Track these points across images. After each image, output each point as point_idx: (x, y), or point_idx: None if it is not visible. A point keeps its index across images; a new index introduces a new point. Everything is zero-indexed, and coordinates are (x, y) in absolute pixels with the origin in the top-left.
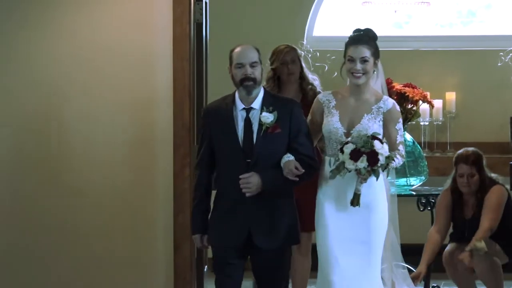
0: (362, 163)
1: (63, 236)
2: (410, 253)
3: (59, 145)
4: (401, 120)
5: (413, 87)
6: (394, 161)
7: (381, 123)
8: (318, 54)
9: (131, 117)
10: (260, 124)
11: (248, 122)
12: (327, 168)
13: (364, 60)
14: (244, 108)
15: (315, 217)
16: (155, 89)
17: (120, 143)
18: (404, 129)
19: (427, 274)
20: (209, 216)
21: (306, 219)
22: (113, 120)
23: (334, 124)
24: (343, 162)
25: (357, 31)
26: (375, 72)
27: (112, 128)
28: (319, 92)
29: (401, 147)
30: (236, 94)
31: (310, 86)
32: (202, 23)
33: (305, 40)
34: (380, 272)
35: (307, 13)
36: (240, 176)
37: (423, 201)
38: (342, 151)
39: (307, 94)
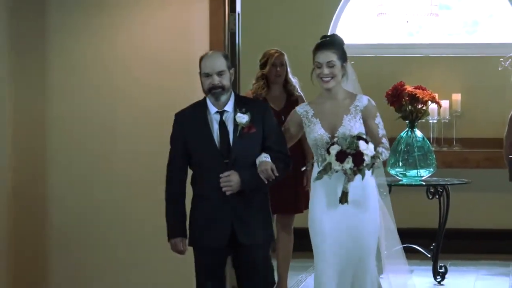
0: (348, 164)
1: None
2: (420, 236)
3: (111, 140)
4: (378, 114)
5: (423, 89)
6: (380, 159)
7: (361, 121)
8: None
9: (171, 119)
10: (236, 124)
11: (222, 124)
12: (315, 171)
13: (331, 65)
14: (217, 111)
15: (308, 216)
16: (193, 91)
17: (159, 142)
18: (415, 127)
19: (436, 255)
20: (186, 220)
21: (288, 202)
22: (155, 121)
23: (317, 131)
24: (330, 163)
25: (323, 37)
26: (344, 75)
27: (153, 128)
28: (299, 94)
29: (384, 140)
30: (207, 100)
31: (292, 87)
32: (235, 32)
33: None
34: (375, 269)
35: (328, 23)
36: (221, 175)
37: (432, 191)
38: (328, 152)
39: (291, 95)
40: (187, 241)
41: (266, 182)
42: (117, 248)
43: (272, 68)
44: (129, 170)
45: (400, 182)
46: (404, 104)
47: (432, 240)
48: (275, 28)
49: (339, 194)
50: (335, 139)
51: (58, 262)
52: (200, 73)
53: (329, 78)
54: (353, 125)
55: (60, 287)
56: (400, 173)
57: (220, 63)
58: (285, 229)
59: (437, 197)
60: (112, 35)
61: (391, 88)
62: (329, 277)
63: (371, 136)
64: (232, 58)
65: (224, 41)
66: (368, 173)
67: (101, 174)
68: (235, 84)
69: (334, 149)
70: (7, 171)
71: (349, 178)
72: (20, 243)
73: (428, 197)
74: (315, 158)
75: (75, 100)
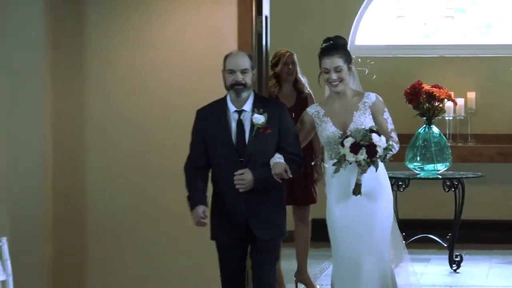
0: (362, 155)
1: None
2: (437, 226)
3: (143, 135)
4: (386, 109)
5: (440, 88)
6: (392, 151)
7: (370, 116)
8: (359, 60)
9: None
10: (252, 125)
11: (240, 123)
12: (330, 168)
13: (338, 70)
14: (236, 111)
15: (326, 210)
16: (222, 90)
17: (189, 139)
18: (432, 123)
19: (451, 244)
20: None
21: (299, 194)
22: (185, 118)
23: (329, 129)
24: (344, 155)
25: (327, 40)
26: (351, 76)
27: (183, 125)
28: (309, 92)
29: (393, 134)
30: (228, 98)
31: (302, 85)
32: (262, 34)
33: (348, 48)
34: (388, 259)
35: (350, 25)
36: (235, 173)
37: (448, 184)
38: (342, 144)
39: (301, 93)
40: (208, 210)
41: (280, 181)
42: (151, 239)
43: (284, 66)
44: (161, 164)
45: (418, 176)
46: (422, 102)
47: (448, 231)
48: (300, 30)
49: (353, 186)
50: (349, 132)
51: (95, 249)
52: (223, 70)
53: (337, 83)
54: (363, 121)
55: (97, 272)
56: (418, 167)
57: (245, 61)
58: (302, 220)
59: (453, 189)
60: (145, 37)
61: (409, 87)
62: (345, 268)
63: (380, 130)
64: (259, 59)
65: (252, 42)
66: (381, 164)
67: (135, 168)
68: (261, 83)
69: (348, 141)
70: (47, 164)
71: (362, 170)
72: (60, 231)
73: (444, 189)
74: (328, 154)
75: (110, 95)
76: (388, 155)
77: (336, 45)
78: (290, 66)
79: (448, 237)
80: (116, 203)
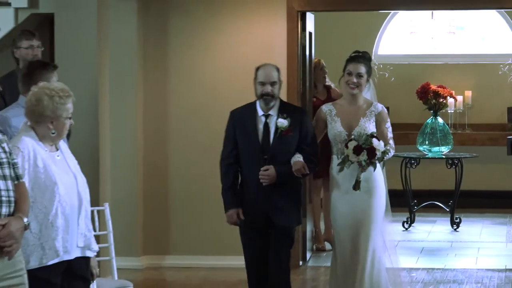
0: (363, 156)
1: None
2: (441, 195)
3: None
4: (389, 120)
5: (444, 88)
6: (388, 155)
7: (374, 124)
8: (381, 65)
9: None
10: (276, 128)
11: (266, 126)
12: (335, 163)
13: (359, 75)
14: (263, 114)
15: (330, 202)
16: None
17: None
18: (437, 115)
19: (452, 209)
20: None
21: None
22: None
23: (337, 128)
24: (347, 156)
25: (357, 52)
26: (367, 86)
27: None
28: (333, 87)
29: (391, 142)
30: (257, 102)
31: (328, 84)
32: (306, 46)
33: (373, 56)
34: (377, 244)
35: (374, 38)
36: (261, 168)
37: (450, 162)
38: (346, 146)
39: (329, 89)
40: (240, 212)
41: (301, 177)
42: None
43: (319, 71)
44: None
45: (427, 156)
46: (430, 99)
47: (450, 199)
48: (336, 43)
49: (353, 183)
50: (352, 136)
51: (177, 216)
52: (255, 79)
53: (355, 86)
54: (367, 126)
55: (179, 232)
56: (426, 149)
57: (274, 75)
58: (315, 191)
59: (453, 167)
60: (214, 49)
61: (420, 87)
62: (343, 254)
63: (381, 137)
64: (303, 67)
65: (298, 53)
66: (378, 165)
67: (206, 149)
68: (305, 86)
69: (352, 144)
70: (139, 146)
71: (362, 169)
72: (149, 199)
73: (447, 167)
74: (334, 150)
75: (186, 94)
76: (385, 157)
77: (363, 57)
78: (322, 70)
79: (450, 203)
80: (194, 177)
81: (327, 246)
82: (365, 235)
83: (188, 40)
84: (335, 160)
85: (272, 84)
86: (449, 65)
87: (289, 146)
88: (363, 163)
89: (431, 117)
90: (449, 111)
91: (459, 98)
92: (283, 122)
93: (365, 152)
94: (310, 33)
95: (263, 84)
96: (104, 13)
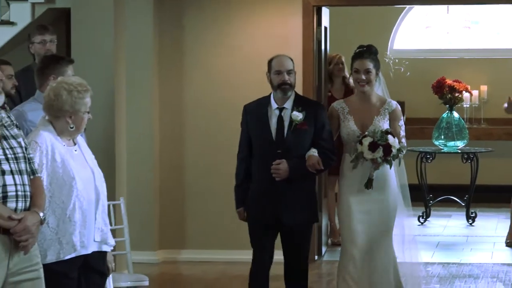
0: (379, 153)
1: None
2: (456, 190)
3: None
4: (402, 117)
5: (459, 82)
6: (402, 152)
7: (388, 122)
8: (397, 60)
9: None
10: (291, 121)
11: (280, 119)
12: (347, 162)
13: (367, 72)
14: (277, 108)
15: (338, 200)
16: None
17: None
18: (453, 109)
19: (468, 204)
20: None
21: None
22: None
23: (351, 127)
24: (362, 152)
25: (361, 47)
26: (377, 81)
27: None
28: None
29: (403, 140)
30: (271, 96)
31: (348, 80)
32: (321, 41)
33: (388, 51)
34: (392, 246)
35: (390, 33)
36: (273, 162)
37: (465, 156)
38: (361, 142)
39: (348, 86)
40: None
41: (315, 172)
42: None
43: (335, 66)
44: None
45: (442, 151)
46: (445, 93)
47: (465, 193)
48: (351, 38)
49: (365, 181)
50: (367, 132)
51: (193, 211)
52: (269, 72)
53: (365, 83)
54: (381, 125)
55: (194, 225)
56: (442, 144)
57: (289, 63)
58: (329, 187)
59: (469, 161)
60: (229, 44)
61: (435, 81)
62: (354, 254)
63: (394, 135)
64: (319, 61)
65: (313, 48)
66: (392, 163)
67: (222, 142)
68: (320, 80)
69: (367, 140)
70: (155, 141)
71: (376, 167)
72: (164, 192)
73: (462, 161)
74: (347, 148)
75: (201, 88)
76: (400, 155)
77: (368, 51)
78: (340, 66)
79: (465, 198)
80: (210, 171)
81: None
82: (384, 236)
83: (204, 35)
84: (347, 158)
85: (289, 72)
86: (464, 60)
87: (304, 140)
88: (379, 159)
89: (447, 111)
90: (464, 106)
91: (475, 92)
92: (298, 115)
93: (381, 148)
94: (326, 28)
95: (279, 72)
96: (120, 8)
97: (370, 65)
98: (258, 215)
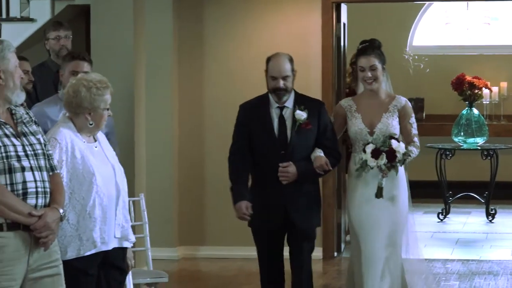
0: (382, 160)
1: None
2: (476, 187)
3: None
4: (413, 115)
5: (479, 79)
6: (411, 156)
7: (397, 119)
8: (416, 57)
9: None
10: (294, 120)
11: (282, 119)
12: (356, 161)
13: (373, 68)
14: (278, 107)
15: (347, 209)
16: (308, 81)
17: None
18: (473, 106)
19: (488, 200)
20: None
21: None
22: None
23: (358, 125)
24: (366, 160)
25: (363, 42)
26: (384, 76)
27: None
28: None
29: (416, 139)
30: (270, 95)
31: None
32: (340, 37)
33: (407, 47)
34: (401, 253)
35: (409, 29)
36: (280, 165)
37: (485, 153)
38: (364, 151)
39: None
40: (250, 205)
41: (323, 174)
42: None
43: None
44: None
45: (462, 147)
46: (465, 90)
47: (485, 190)
48: (371, 34)
49: (375, 190)
50: (370, 139)
51: (213, 207)
52: (266, 72)
53: (372, 80)
54: (390, 122)
55: (215, 226)
56: (462, 141)
57: (287, 68)
58: None
59: (489, 158)
60: (249, 40)
61: (455, 78)
62: (375, 258)
63: (404, 134)
64: (338, 58)
65: (332, 44)
66: (401, 169)
67: None
68: (339, 77)
69: (369, 147)
70: (175, 138)
71: (384, 174)
72: (184, 189)
73: (482, 158)
74: (355, 147)
75: (222, 83)
76: (407, 159)
77: (372, 46)
78: None
79: (485, 194)
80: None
81: None
82: (393, 234)
83: (223, 32)
84: (356, 158)
85: (285, 78)
86: (484, 56)
87: (308, 140)
88: (383, 167)
89: (466, 108)
90: (484, 102)
91: (495, 89)
92: (302, 114)
93: (384, 155)
94: (344, 25)
95: (274, 78)
96: (139, 3)
97: (375, 61)
98: (264, 221)
